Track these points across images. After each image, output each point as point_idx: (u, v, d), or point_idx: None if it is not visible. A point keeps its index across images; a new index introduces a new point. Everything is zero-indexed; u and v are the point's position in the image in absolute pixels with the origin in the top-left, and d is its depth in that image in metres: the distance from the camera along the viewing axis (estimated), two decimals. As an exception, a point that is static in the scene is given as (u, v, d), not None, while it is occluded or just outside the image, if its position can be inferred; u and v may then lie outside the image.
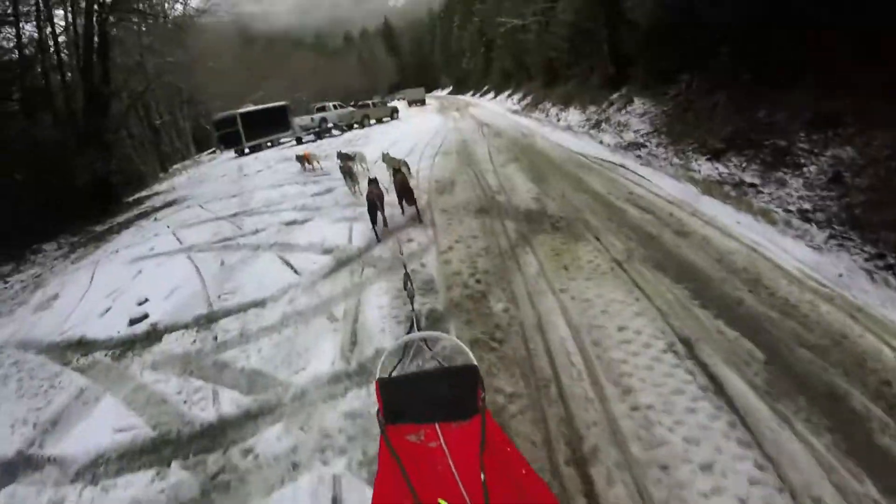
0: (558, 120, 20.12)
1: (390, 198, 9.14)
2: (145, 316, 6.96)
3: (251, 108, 34.30)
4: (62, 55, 21.82)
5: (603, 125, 15.43)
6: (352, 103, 43.21)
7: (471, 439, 2.08)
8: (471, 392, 2.37)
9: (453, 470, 1.96)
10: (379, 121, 35.64)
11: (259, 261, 8.29)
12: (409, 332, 3.85)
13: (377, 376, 2.61)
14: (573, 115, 19.17)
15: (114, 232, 15.91)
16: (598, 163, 11.42)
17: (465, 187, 10.94)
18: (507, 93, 43.71)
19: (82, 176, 19.84)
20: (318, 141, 28.74)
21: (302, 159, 17.71)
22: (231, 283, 7.49)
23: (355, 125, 34.12)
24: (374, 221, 8.05)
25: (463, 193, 10.43)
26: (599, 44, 19.16)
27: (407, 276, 4.32)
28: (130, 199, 24.76)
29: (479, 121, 25.92)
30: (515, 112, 29.06)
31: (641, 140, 12.31)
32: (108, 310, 7.73)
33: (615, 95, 16.75)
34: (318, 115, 35.74)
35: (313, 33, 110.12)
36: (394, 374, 3.10)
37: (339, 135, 30.82)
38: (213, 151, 36.06)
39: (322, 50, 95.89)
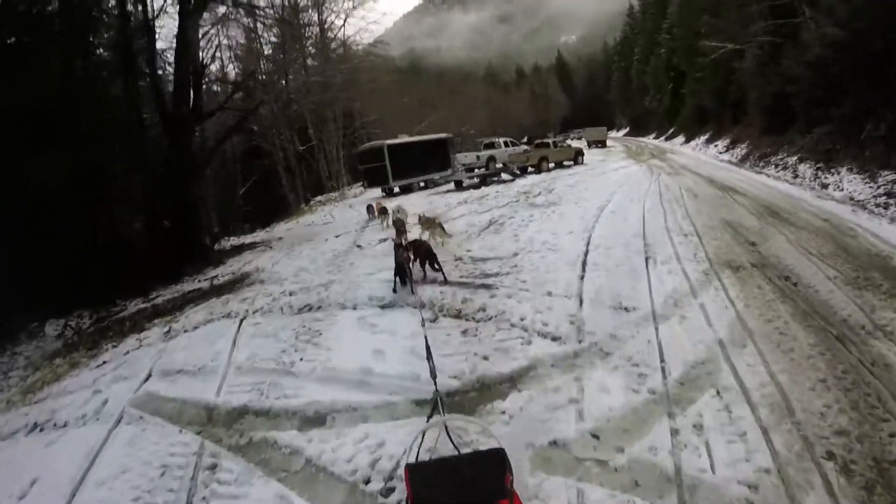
0: (823, 186, 14.32)
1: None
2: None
3: (404, 139, 27.06)
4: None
5: None
6: (524, 141, 35.11)
7: None
8: (498, 476, 2.34)
9: None
10: (559, 165, 26.85)
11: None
12: (430, 415, 3.59)
13: (406, 461, 2.61)
14: (852, 182, 13.32)
15: (113, 334, 9.86)
16: None
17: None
18: (702, 137, 36.67)
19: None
20: (481, 189, 20.58)
21: (372, 209, 14.67)
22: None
23: (530, 169, 25.59)
24: (402, 282, 7.75)
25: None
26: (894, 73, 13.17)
27: (429, 352, 4.20)
28: (233, 243, 18.23)
29: (700, 176, 19.54)
30: (731, 164, 23.52)
31: None
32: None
33: None
34: (484, 153, 28.12)
35: (484, 68, 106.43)
36: (421, 457, 3.00)
37: (510, 181, 22.49)
38: (361, 185, 29.43)
39: (493, 83, 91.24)
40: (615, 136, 65.27)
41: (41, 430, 6.22)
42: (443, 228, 11.12)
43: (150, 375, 6.82)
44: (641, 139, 57.24)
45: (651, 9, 60.32)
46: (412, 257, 8.44)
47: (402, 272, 7.90)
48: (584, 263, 8.58)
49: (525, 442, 4.21)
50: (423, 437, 3.21)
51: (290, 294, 9.05)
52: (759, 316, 6.23)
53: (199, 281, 12.47)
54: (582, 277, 7.92)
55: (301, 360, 6.29)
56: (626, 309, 6.65)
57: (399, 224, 11.73)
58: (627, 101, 73.44)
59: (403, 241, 9.45)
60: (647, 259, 8.59)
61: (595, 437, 4.29)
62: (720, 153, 28.57)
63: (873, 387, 4.58)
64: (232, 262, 14.01)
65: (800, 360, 5.18)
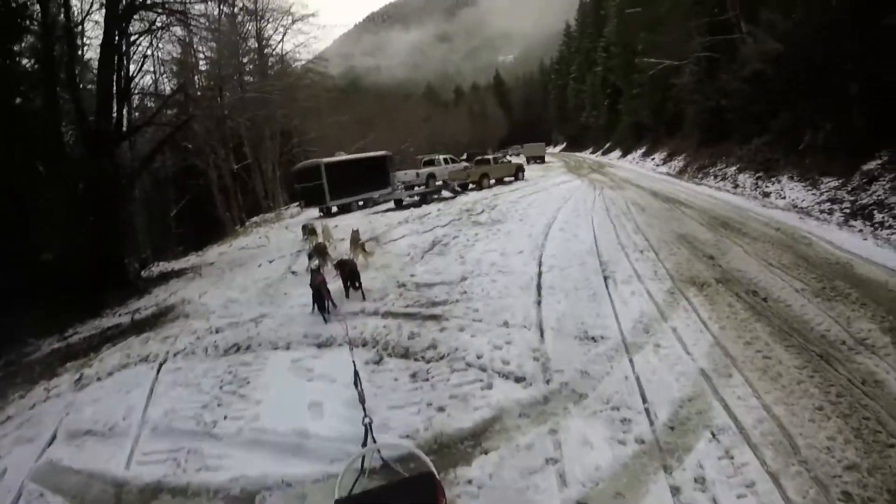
0: (765, 195, 14.59)
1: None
2: None
3: (341, 156, 25.96)
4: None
5: (877, 213, 10.04)
6: (464, 157, 34.65)
7: None
8: (431, 501, 2.21)
9: None
10: (500, 181, 26.37)
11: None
12: (363, 443, 3.34)
13: (335, 496, 2.42)
14: (794, 190, 13.61)
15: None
16: None
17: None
18: (639, 151, 37.69)
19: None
20: (422, 207, 19.68)
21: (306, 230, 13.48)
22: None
23: (471, 186, 24.98)
24: (322, 308, 7.43)
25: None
26: (833, 84, 13.36)
27: (356, 376, 3.82)
28: (163, 269, 16.72)
29: (643, 189, 19.29)
30: (670, 176, 23.68)
31: None
32: None
33: (874, 164, 11.50)
34: (424, 171, 27.32)
35: (424, 86, 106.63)
36: (354, 490, 2.81)
37: (451, 198, 21.76)
38: (298, 205, 28.02)
39: (433, 102, 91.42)
40: (553, 152, 65.66)
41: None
42: (364, 248, 10.72)
43: (54, 437, 5.59)
44: (579, 154, 57.78)
45: (588, 28, 61.67)
46: (334, 276, 8.39)
47: (319, 298, 7.54)
48: (538, 287, 7.82)
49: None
50: (362, 467, 3.05)
51: (217, 331, 7.87)
52: (738, 338, 5.62)
53: (120, 315, 11.00)
54: (539, 303, 7.15)
55: (225, 417, 5.20)
56: (593, 339, 5.89)
57: (319, 248, 10.88)
58: (564, 117, 74.76)
59: (322, 265, 8.96)
60: (605, 279, 7.92)
61: (584, 507, 3.49)
62: (657, 166, 28.97)
63: (871, 409, 4.15)
64: (158, 292, 12.54)
65: (791, 386, 4.60)
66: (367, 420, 3.39)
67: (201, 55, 27.69)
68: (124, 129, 15.09)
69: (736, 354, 5.25)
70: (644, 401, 4.57)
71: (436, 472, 2.44)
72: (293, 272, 10.86)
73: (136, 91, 18.62)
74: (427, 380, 5.33)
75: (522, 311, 6.81)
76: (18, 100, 12.79)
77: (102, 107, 13.81)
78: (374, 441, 3.35)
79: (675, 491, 3.55)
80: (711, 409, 4.39)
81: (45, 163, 12.68)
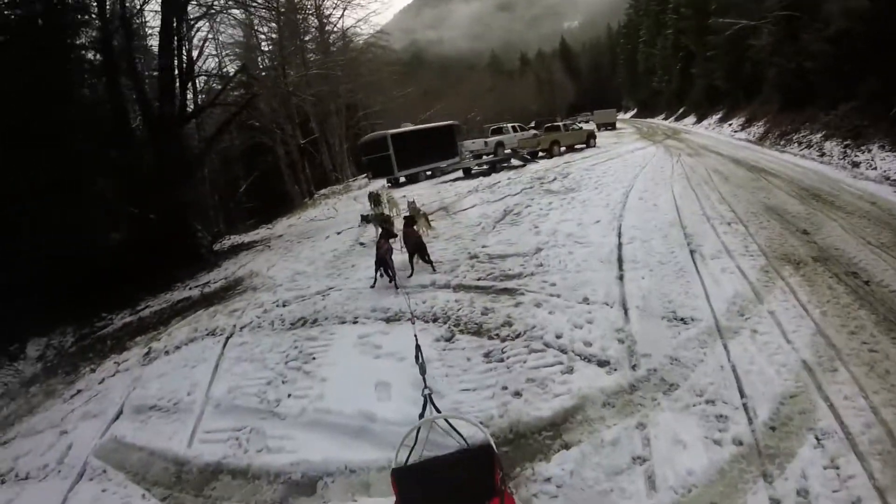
0: (854, 165, 13.31)
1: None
2: None
3: (408, 127, 25.67)
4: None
5: None
6: (532, 125, 33.69)
7: None
8: (488, 474, 2.26)
9: None
10: (570, 148, 25.36)
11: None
12: (421, 414, 3.19)
13: (393, 464, 2.49)
14: (886, 161, 12.39)
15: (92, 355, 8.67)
16: None
17: None
18: (715, 117, 35.24)
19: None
20: (491, 176, 19.19)
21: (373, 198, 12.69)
22: None
23: (541, 153, 24.19)
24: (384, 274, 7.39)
25: None
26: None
27: (418, 349, 3.75)
28: (234, 242, 17.19)
29: (723, 156, 17.98)
30: (750, 142, 22.02)
31: None
32: None
33: None
34: (492, 139, 26.71)
35: (488, 57, 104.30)
36: (410, 460, 2.71)
37: (521, 166, 21.10)
38: (366, 176, 28.11)
39: (497, 71, 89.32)
40: (623, 118, 62.94)
41: (2, 482, 5.26)
42: (427, 220, 10.42)
43: (120, 413, 5.77)
44: (650, 120, 55.07)
45: (656, -10, 58.23)
46: (400, 249, 8.18)
47: (383, 265, 7.42)
48: (619, 260, 7.34)
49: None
50: (416, 438, 2.92)
51: (284, 304, 7.87)
52: (842, 327, 5.04)
53: (190, 288, 11.29)
54: (621, 278, 6.69)
55: (289, 396, 5.13)
56: (682, 320, 5.44)
57: (384, 218, 10.62)
58: (634, 83, 71.27)
59: (387, 234, 8.79)
60: (692, 253, 7.33)
61: (677, 518, 3.18)
62: (735, 132, 27.15)
63: None
64: (227, 265, 12.79)
65: (901, 386, 4.06)
66: (426, 391, 3.29)
67: (262, 36, 28.14)
68: (189, 111, 15.37)
69: (840, 345, 4.70)
70: (742, 395, 4.14)
71: (493, 444, 2.45)
72: (361, 244, 10.80)
73: (200, 74, 19.05)
74: (502, 360, 5.04)
75: (604, 287, 6.38)
76: (86, 91, 13.24)
77: (165, 91, 14.04)
78: (437, 411, 3.23)
79: (775, 505, 3.19)
80: (816, 408, 3.94)
81: (113, 148, 13.07)
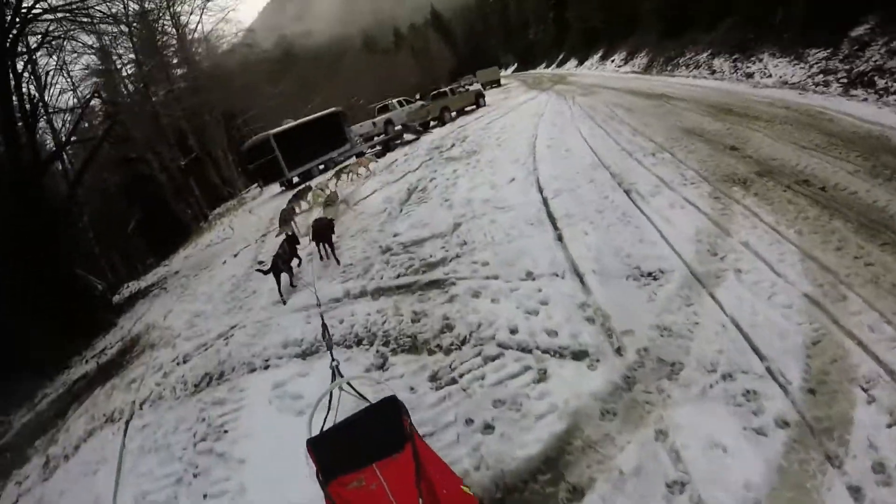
0: (748, 76, 13.77)
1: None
2: None
3: (290, 123, 23.66)
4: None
5: (878, 80, 9.25)
6: (417, 97, 32.42)
7: (406, 469, 2.06)
8: (397, 423, 2.31)
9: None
10: (461, 112, 24.33)
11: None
12: (332, 381, 3.18)
13: (307, 436, 2.43)
14: (779, 67, 12.77)
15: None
16: None
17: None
18: (595, 57, 35.49)
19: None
20: (386, 155, 17.81)
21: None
22: None
23: (432, 123, 22.99)
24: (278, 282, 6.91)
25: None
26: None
27: (325, 327, 3.92)
28: (133, 289, 15.16)
29: (616, 90, 17.34)
30: (637, 74, 22.36)
31: None
32: None
33: (862, 30, 10.63)
34: (380, 119, 25.24)
35: (361, 39, 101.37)
36: (324, 427, 2.70)
37: (415, 139, 19.80)
38: (257, 185, 25.86)
39: (373, 51, 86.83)
40: (506, 74, 62.72)
41: None
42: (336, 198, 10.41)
43: None
44: (533, 71, 54.82)
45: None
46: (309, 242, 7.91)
47: (277, 271, 6.85)
48: (551, 217, 6.30)
49: None
50: (329, 406, 2.92)
51: (185, 360, 6.37)
52: (824, 244, 4.35)
53: (87, 361, 9.44)
54: (560, 238, 5.65)
55: (205, 497, 3.80)
56: (650, 276, 4.49)
57: (286, 214, 10.15)
58: (509, 38, 71.89)
59: (286, 233, 8.21)
60: (627, 193, 6.43)
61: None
62: (619, 66, 27.44)
63: None
64: (123, 322, 10.88)
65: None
66: (334, 363, 3.29)
67: (118, 59, 25.22)
68: (45, 156, 12.91)
69: (834, 267, 3.99)
70: (761, 358, 3.24)
71: (396, 395, 2.53)
72: (260, 262, 9.26)
73: (53, 111, 16.71)
74: (454, 381, 3.85)
75: (545, 254, 5.32)
76: None
77: (9, 143, 11.46)
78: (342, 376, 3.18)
79: (857, 494, 2.40)
80: (847, 352, 3.16)
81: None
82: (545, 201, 6.95)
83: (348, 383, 3.12)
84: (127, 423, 5.53)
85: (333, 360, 3.32)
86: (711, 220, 5.17)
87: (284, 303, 6.63)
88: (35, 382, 9.53)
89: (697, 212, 5.44)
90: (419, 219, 8.02)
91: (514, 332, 4.15)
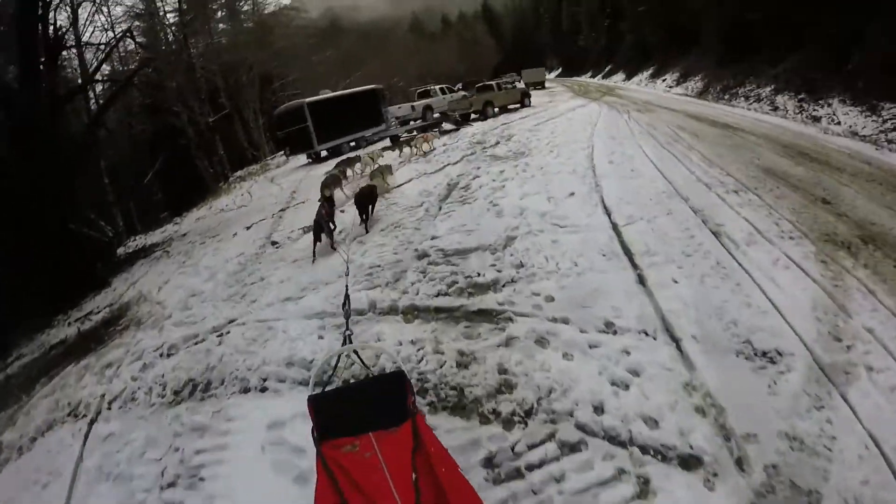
0: (814, 119, 12.55)
1: None
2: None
3: (326, 94, 22.67)
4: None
5: None
6: (459, 87, 31.31)
7: (404, 444, 2.02)
8: (401, 398, 2.27)
9: (388, 477, 1.88)
10: (504, 109, 23.19)
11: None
12: (343, 343, 3.14)
13: (309, 392, 2.40)
14: (849, 116, 11.57)
15: None
16: None
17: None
18: (645, 73, 33.72)
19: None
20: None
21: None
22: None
23: (473, 116, 21.87)
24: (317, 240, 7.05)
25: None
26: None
27: (347, 297, 3.66)
28: (132, 247, 14.33)
29: (676, 112, 16.04)
30: (689, 97, 20.67)
31: None
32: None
33: None
34: (420, 103, 24.25)
35: (408, 21, 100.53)
36: (327, 387, 2.83)
37: (454, 130, 18.75)
38: (284, 153, 24.95)
39: (419, 34, 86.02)
40: (549, 78, 61.66)
41: None
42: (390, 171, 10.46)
43: None
44: (578, 78, 53.32)
45: (580, -56, 56.94)
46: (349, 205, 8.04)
47: (319, 230, 7.06)
48: (626, 250, 5.23)
49: None
50: (335, 366, 2.96)
51: (169, 353, 5.42)
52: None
53: (70, 323, 8.60)
54: (642, 281, 4.59)
55: None
56: (766, 356, 3.45)
57: (332, 180, 9.91)
58: (559, 41, 70.21)
59: (326, 195, 8.17)
60: (716, 236, 5.36)
61: None
62: (670, 87, 26.00)
63: None
64: (117, 283, 10.02)
65: None
66: (348, 332, 3.09)
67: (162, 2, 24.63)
68: (57, 92, 11.99)
69: None
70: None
71: (405, 371, 2.49)
72: (273, 243, 8.27)
73: (85, 45, 16.20)
74: (520, 474, 2.81)
75: (628, 301, 4.26)
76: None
77: (27, 72, 10.56)
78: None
79: None
80: None
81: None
82: (615, 227, 5.88)
83: (355, 351, 3.20)
84: (91, 423, 4.62)
85: (348, 329, 3.15)
86: (826, 292, 4.11)
87: (314, 261, 6.83)
88: (16, 336, 8.78)
89: (806, 277, 4.39)
90: (462, 222, 6.99)
91: (599, 410, 3.13)
